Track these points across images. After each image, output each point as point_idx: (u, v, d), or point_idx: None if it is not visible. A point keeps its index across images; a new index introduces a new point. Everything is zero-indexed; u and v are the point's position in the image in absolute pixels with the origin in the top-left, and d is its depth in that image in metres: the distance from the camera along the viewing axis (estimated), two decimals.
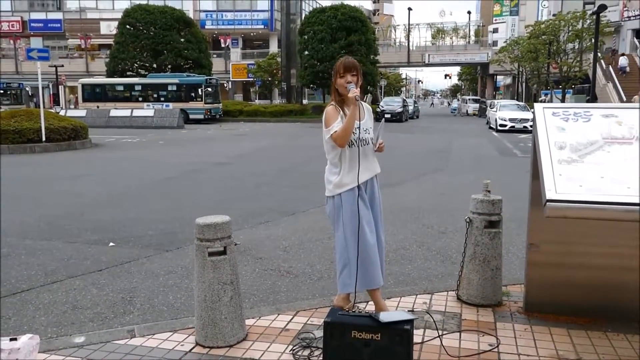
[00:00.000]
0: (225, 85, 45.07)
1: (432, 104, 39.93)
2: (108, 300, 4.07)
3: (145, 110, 28.26)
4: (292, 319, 3.46)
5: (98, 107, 29.90)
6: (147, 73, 34.71)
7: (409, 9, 50.64)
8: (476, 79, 68.89)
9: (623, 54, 33.75)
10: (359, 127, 3.18)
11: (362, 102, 3.33)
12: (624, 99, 27.68)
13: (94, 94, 31.75)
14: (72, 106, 37.37)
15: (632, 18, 35.01)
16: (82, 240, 5.72)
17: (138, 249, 5.43)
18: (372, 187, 3.33)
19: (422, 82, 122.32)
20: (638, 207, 2.59)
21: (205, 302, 3.04)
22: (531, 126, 3.24)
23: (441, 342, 3.10)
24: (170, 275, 4.64)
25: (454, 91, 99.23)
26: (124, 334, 3.27)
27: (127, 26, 36.17)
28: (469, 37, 59.35)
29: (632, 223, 3.09)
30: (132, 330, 3.33)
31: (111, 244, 5.59)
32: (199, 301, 3.07)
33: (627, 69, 31.46)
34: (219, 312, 3.04)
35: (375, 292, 3.35)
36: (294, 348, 3.06)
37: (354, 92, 3.14)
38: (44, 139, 15.28)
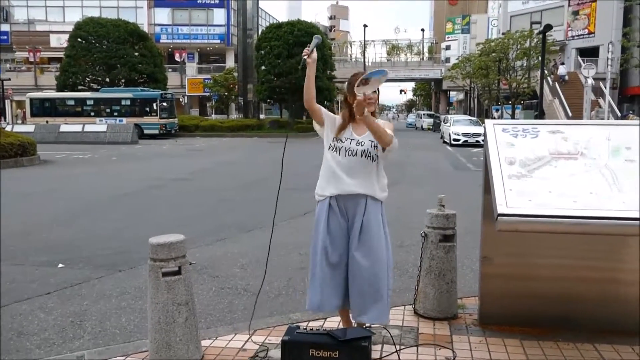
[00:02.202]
0: (181, 99, 44.45)
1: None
2: (56, 325, 3.90)
3: (98, 126, 27.57)
4: (249, 338, 3.40)
5: (47, 122, 28.95)
6: (99, 87, 33.82)
7: (365, 25, 51.36)
8: (430, 95, 70.60)
9: (563, 63, 35.30)
10: (352, 139, 3.05)
11: (385, 121, 3.19)
12: (570, 114, 28.91)
13: (43, 108, 30.69)
14: (20, 121, 35.97)
15: (575, 37, 36.82)
16: (29, 262, 5.47)
17: (89, 269, 5.24)
18: (355, 206, 3.06)
19: None
20: (585, 220, 2.70)
21: (159, 324, 2.95)
22: (483, 140, 3.31)
23: (399, 357, 3.12)
24: (123, 296, 4.50)
25: (409, 106, 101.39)
26: None
27: (79, 39, 35.18)
28: (423, 53, 60.86)
29: (579, 236, 3.21)
30: (82, 356, 3.20)
31: (60, 265, 5.37)
32: (153, 323, 2.98)
33: (566, 77, 32.86)
34: (173, 334, 2.96)
35: (344, 311, 3.18)
36: None
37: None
38: None
